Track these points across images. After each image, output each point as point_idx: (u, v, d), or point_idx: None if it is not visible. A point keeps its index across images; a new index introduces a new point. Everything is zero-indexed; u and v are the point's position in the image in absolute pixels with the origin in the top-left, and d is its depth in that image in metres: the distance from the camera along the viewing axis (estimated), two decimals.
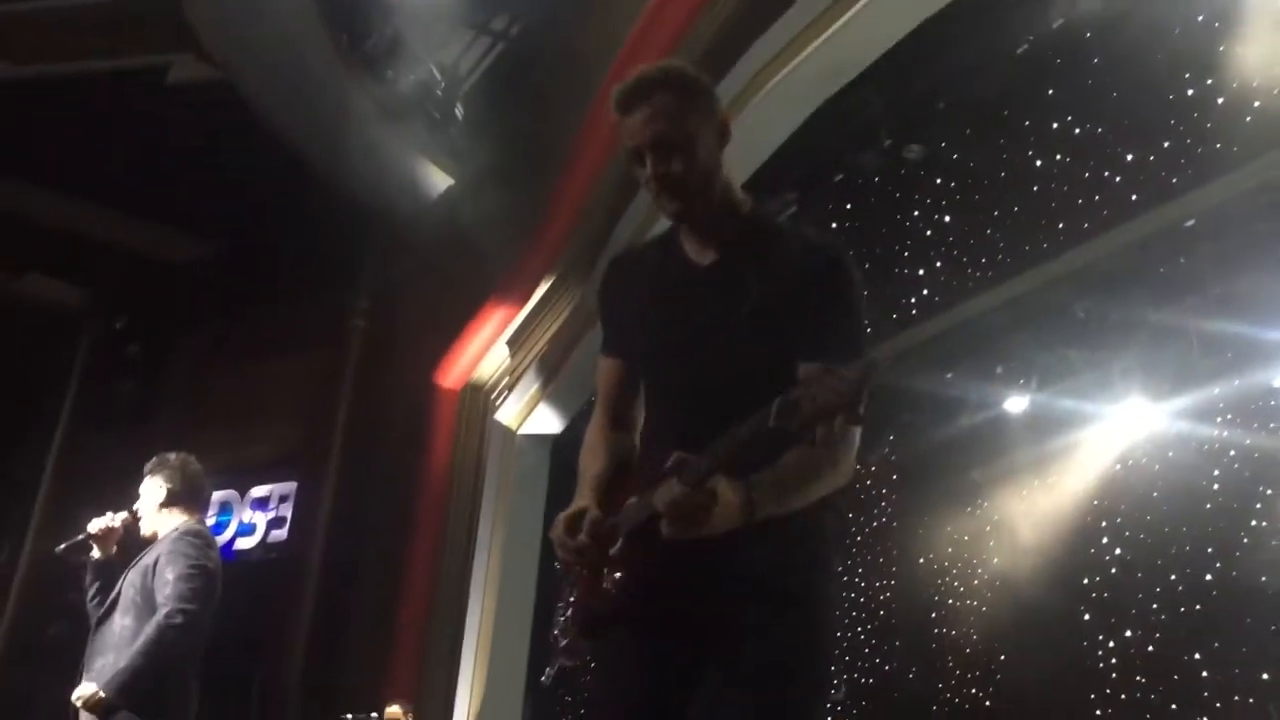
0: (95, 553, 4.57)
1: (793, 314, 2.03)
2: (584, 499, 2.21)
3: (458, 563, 8.75)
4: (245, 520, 10.48)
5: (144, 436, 11.52)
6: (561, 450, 9.30)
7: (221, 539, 10.58)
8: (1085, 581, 9.23)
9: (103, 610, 4.40)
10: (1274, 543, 8.27)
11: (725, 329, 2.02)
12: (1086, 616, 9.12)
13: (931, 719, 9.62)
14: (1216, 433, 8.71)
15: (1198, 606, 8.53)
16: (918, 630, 10.20)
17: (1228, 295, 8.03)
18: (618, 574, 2.05)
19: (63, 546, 4.60)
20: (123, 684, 4.05)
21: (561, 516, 2.18)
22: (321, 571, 9.46)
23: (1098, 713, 8.90)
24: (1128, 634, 8.91)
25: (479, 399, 9.28)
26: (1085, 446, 9.39)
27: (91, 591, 4.56)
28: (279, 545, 10.10)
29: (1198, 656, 8.36)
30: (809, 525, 2.09)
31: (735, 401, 1.87)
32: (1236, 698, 7.93)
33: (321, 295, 10.65)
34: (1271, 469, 8.16)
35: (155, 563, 4.39)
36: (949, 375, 9.61)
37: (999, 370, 9.36)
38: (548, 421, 9.06)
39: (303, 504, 10.07)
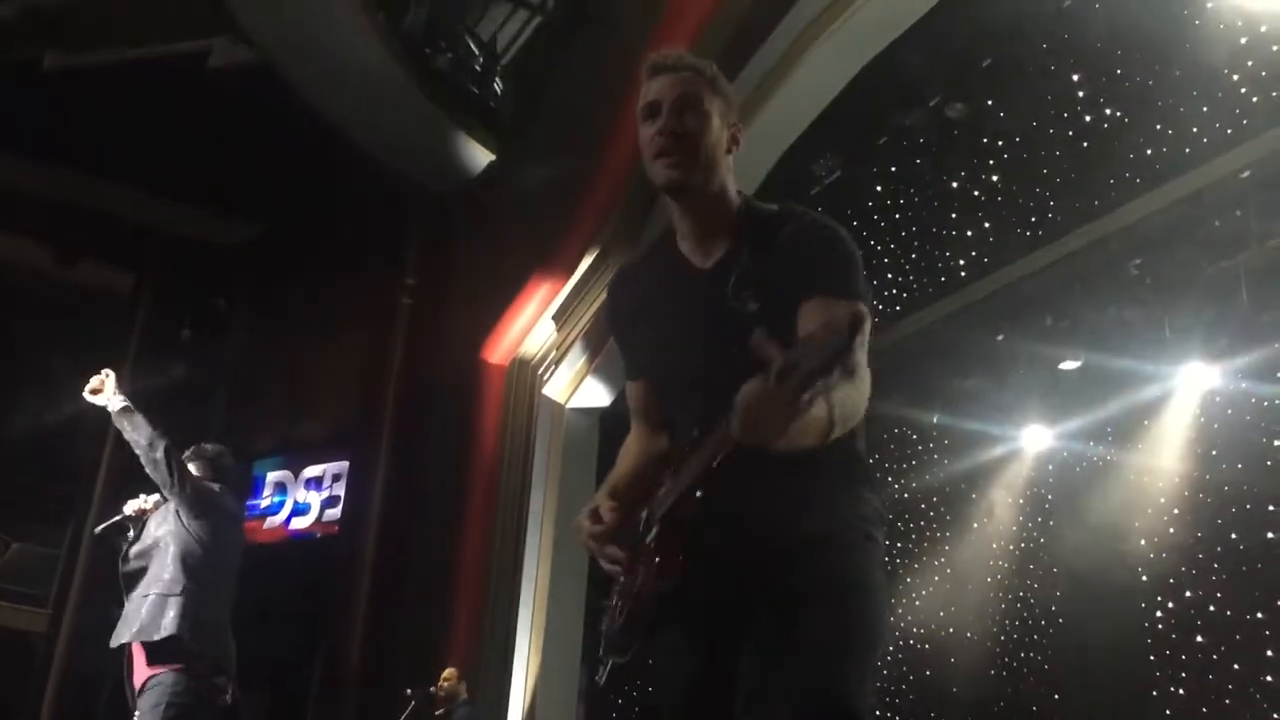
0: (132, 534, 4.71)
1: (795, 286, 2.09)
2: (597, 496, 2.27)
3: (511, 536, 8.81)
4: (300, 500, 10.60)
5: (197, 419, 11.69)
6: (609, 423, 9.31)
7: (277, 519, 10.73)
8: (1143, 543, 9.12)
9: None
10: None
11: (738, 324, 1.95)
12: (1144, 578, 9.01)
13: (992, 681, 9.57)
14: (1276, 389, 8.55)
15: (1259, 565, 8.41)
16: (974, 594, 10.14)
17: None
18: (656, 559, 2.05)
19: (101, 527, 4.77)
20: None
21: (582, 513, 2.24)
22: (377, 548, 9.56)
23: (1158, 673, 8.82)
24: (1187, 594, 8.80)
25: (526, 374, 9.30)
26: (1140, 405, 9.26)
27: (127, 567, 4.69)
28: (334, 524, 10.21)
29: (1260, 615, 8.25)
30: (838, 476, 2.18)
31: (727, 359, 1.91)
32: None
33: (368, 274, 10.71)
34: None
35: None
36: (1000, 337, 9.51)
37: (1051, 330, 9.22)
38: (596, 395, 9.06)
39: (356, 482, 10.16)
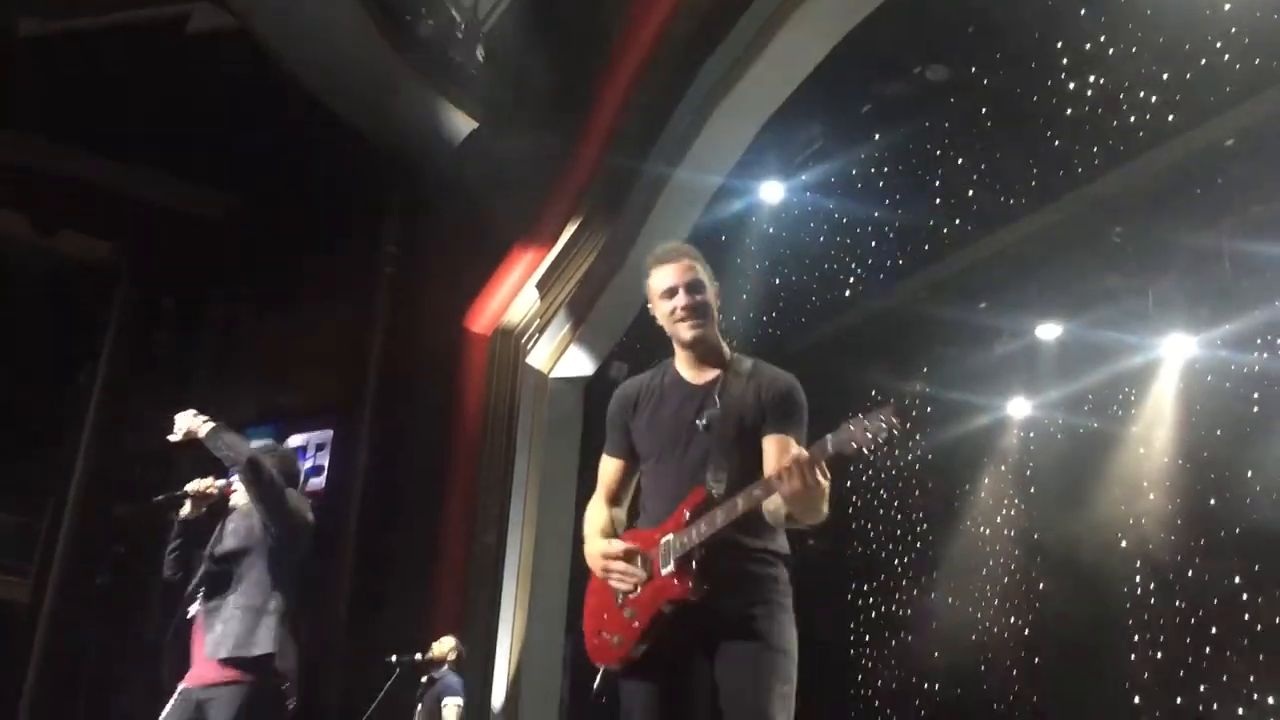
0: (186, 509, 4.71)
1: (762, 414, 2.99)
2: (601, 539, 3.06)
3: (495, 506, 8.82)
4: None
5: (181, 387, 11.65)
6: (593, 391, 9.31)
7: None
8: (1122, 509, 9.20)
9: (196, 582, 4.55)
10: None
11: (703, 425, 2.98)
12: (1124, 544, 9.10)
13: (971, 645, 9.66)
14: (1255, 356, 8.61)
15: (1238, 530, 8.50)
16: (955, 561, 10.22)
17: (1267, 215, 7.88)
18: (680, 582, 2.80)
19: (161, 498, 4.81)
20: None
21: (600, 549, 3.01)
22: (361, 518, 9.57)
23: (1135, 638, 8.92)
24: (1166, 559, 8.89)
25: (510, 343, 9.28)
26: (1122, 374, 9.32)
27: (173, 545, 4.72)
28: (317, 493, 10.21)
29: (1237, 580, 8.35)
30: (770, 576, 2.94)
31: (717, 467, 2.90)
32: (1278, 620, 7.91)
33: (350, 244, 10.65)
34: None
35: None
36: (983, 305, 9.53)
37: (1033, 299, 9.26)
38: (579, 364, 9.06)
39: (339, 452, 10.15)
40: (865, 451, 2.61)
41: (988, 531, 10.07)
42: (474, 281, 9.36)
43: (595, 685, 2.92)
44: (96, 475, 11.11)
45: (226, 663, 4.22)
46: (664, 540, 2.85)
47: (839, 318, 10.32)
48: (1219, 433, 8.65)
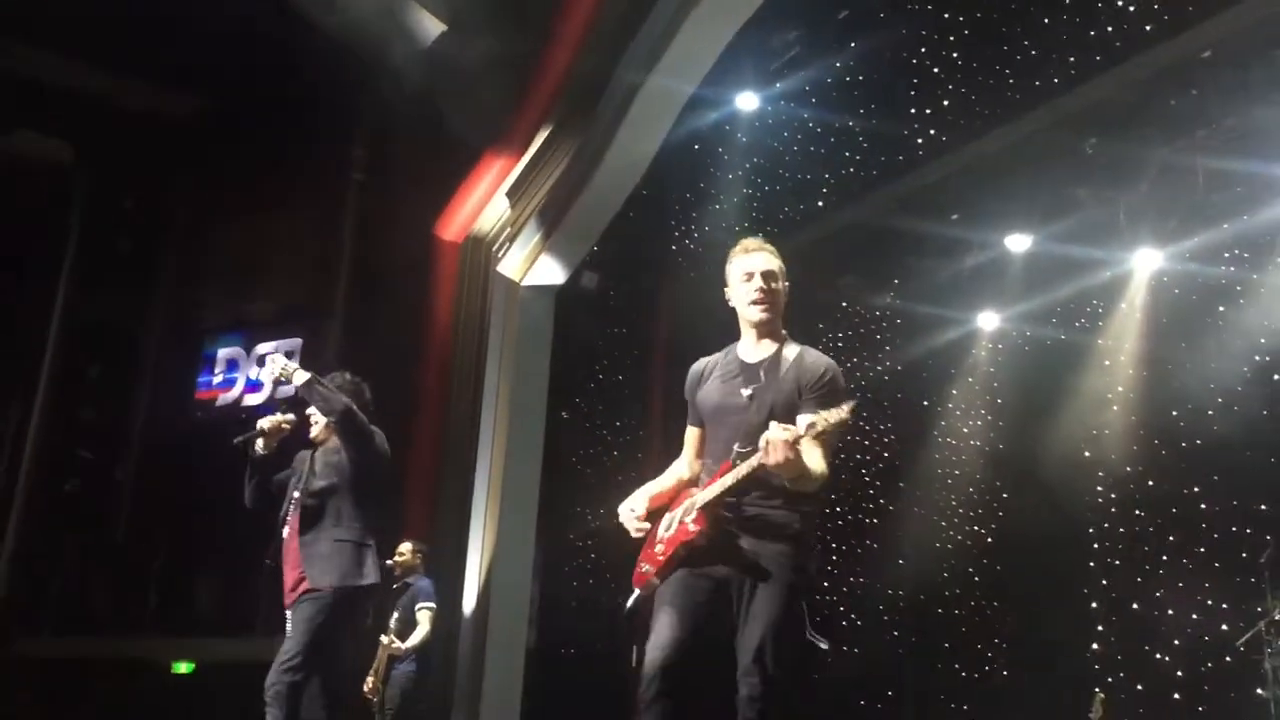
0: (260, 446, 4.97)
1: (799, 393, 3.40)
2: (638, 495, 3.60)
3: (465, 414, 8.83)
4: (252, 377, 10.55)
5: (146, 292, 11.54)
6: (564, 300, 9.29)
7: (229, 396, 10.69)
8: (1086, 420, 9.33)
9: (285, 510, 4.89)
10: (1275, 377, 8.33)
11: (746, 395, 3.44)
12: (1087, 454, 9.24)
13: (935, 553, 9.84)
14: (1222, 270, 8.67)
15: (1198, 441, 8.63)
16: (922, 472, 10.35)
17: (1241, 128, 7.87)
18: (694, 528, 3.35)
19: (239, 439, 5.03)
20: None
21: (632, 501, 3.58)
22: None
23: (1095, 545, 9.11)
24: (1128, 470, 9.04)
25: (481, 251, 9.21)
26: (1090, 287, 9.37)
27: (253, 480, 5.01)
28: (287, 401, 10.18)
29: (1196, 490, 8.51)
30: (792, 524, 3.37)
31: (748, 436, 3.28)
32: (1234, 528, 8.09)
33: (317, 148, 10.48)
34: (1277, 303, 8.15)
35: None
36: (955, 217, 9.52)
37: (1005, 210, 9.25)
38: (551, 272, 9.01)
39: (309, 359, 10.09)
40: (826, 431, 3.16)
41: (955, 443, 10.18)
42: (444, 189, 9.25)
43: (629, 603, 3.56)
44: (61, 381, 11.03)
45: (315, 580, 4.59)
46: (689, 500, 3.44)
47: (811, 229, 10.28)
48: (1183, 345, 8.74)
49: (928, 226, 9.58)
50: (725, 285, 3.61)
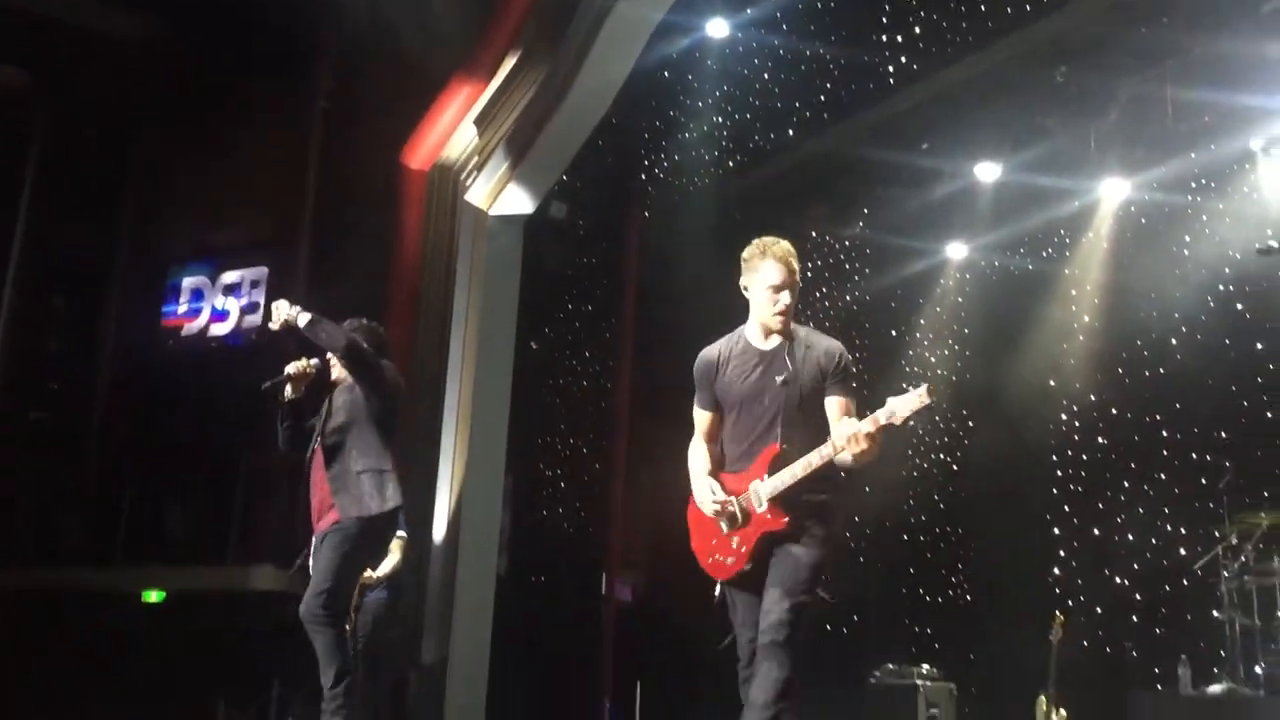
0: (289, 391, 5.09)
1: (823, 377, 3.73)
2: (708, 480, 3.77)
3: (434, 344, 8.78)
4: (218, 306, 10.46)
5: (110, 221, 11.37)
6: (533, 230, 9.23)
7: (195, 325, 10.61)
8: (1051, 349, 9.42)
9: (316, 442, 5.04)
10: (1239, 306, 8.42)
11: (779, 382, 3.67)
12: (1052, 383, 9.34)
13: (902, 480, 9.95)
14: (1188, 199, 8.71)
15: (1161, 369, 8.75)
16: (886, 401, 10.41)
17: (1208, 57, 7.87)
18: (775, 518, 3.62)
19: (267, 384, 5.15)
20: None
21: (710, 486, 3.74)
22: (299, 356, 9.47)
23: (1059, 473, 9.25)
24: (1092, 398, 9.16)
25: (448, 180, 9.10)
26: (1057, 215, 9.41)
27: (284, 424, 5.15)
28: (254, 330, 10.12)
29: (1158, 417, 8.64)
30: (823, 503, 3.72)
31: (788, 420, 3.66)
32: (1194, 455, 8.22)
33: (283, 76, 10.30)
34: (1241, 232, 8.21)
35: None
36: (925, 146, 9.49)
37: (975, 139, 9.23)
38: (519, 201, 8.94)
39: (276, 289, 10.03)
40: (909, 422, 3.51)
41: (922, 372, 10.25)
42: (410, 116, 9.12)
43: (716, 594, 3.76)
44: (25, 311, 10.91)
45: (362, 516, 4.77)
46: (752, 486, 3.66)
47: (781, 158, 10.24)
48: (1148, 275, 8.81)
49: (898, 155, 9.55)
50: (743, 278, 3.79)
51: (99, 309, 11.25)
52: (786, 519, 3.60)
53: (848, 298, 10.65)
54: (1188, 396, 8.50)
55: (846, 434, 3.49)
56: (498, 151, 8.67)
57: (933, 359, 10.30)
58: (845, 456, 3.56)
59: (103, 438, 10.80)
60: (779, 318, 3.73)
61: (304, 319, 4.86)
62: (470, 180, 8.90)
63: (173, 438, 10.00)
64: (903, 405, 3.49)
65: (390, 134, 9.28)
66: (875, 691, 8.02)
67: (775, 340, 3.77)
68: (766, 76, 9.41)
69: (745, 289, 3.81)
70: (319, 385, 5.21)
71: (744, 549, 3.68)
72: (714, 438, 3.87)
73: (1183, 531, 8.26)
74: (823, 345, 3.78)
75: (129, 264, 11.31)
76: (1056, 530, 8.98)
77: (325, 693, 4.60)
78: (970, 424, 9.93)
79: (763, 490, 3.64)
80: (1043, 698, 7.73)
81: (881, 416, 3.49)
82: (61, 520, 10.58)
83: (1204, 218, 8.59)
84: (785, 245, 3.80)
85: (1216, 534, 7.21)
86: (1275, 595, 6.84)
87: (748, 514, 3.67)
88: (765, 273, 3.74)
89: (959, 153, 9.36)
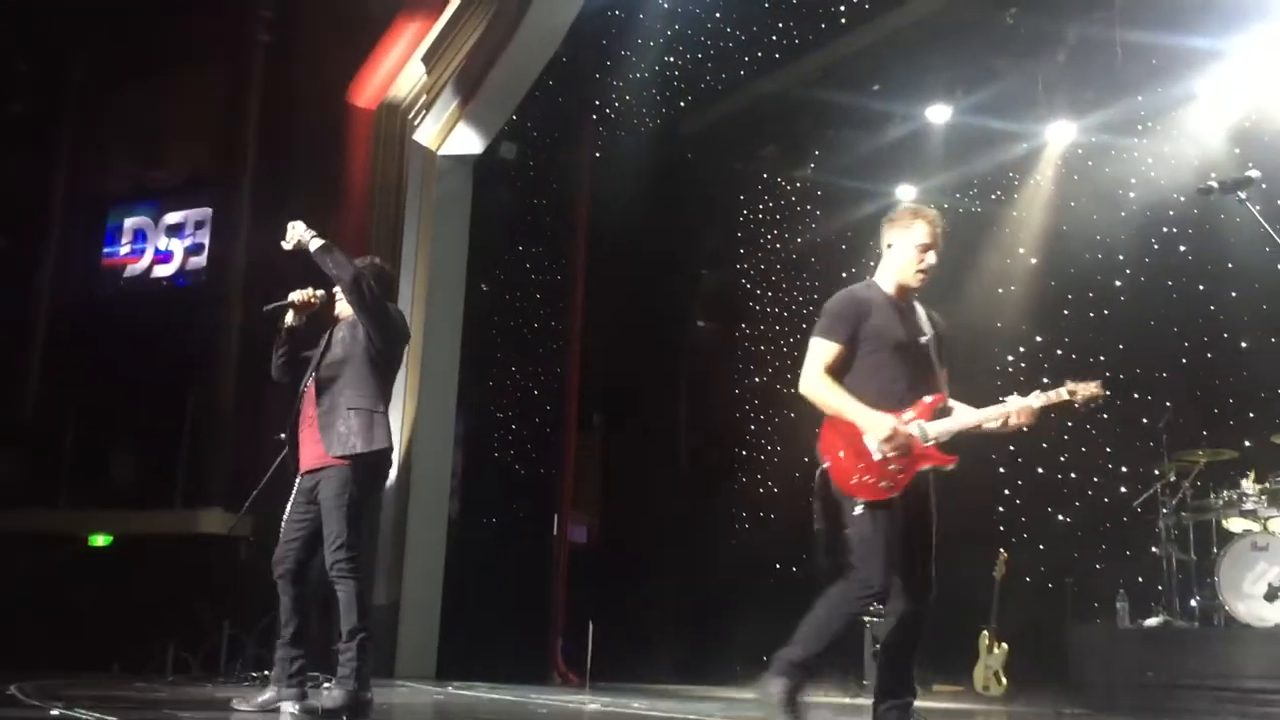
0: (290, 318, 4.98)
1: (944, 343, 4.07)
2: (884, 416, 3.83)
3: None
4: (161, 247, 10.27)
5: (47, 159, 11.09)
6: (482, 171, 9.13)
7: (138, 266, 10.41)
8: (1000, 290, 9.51)
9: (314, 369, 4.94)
10: (1182, 248, 8.55)
11: (923, 340, 3.97)
12: (999, 325, 9.44)
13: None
14: (1135, 141, 8.80)
15: (1106, 312, 8.88)
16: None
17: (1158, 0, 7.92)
18: (946, 456, 3.91)
19: (268, 307, 5.03)
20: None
21: (893, 423, 3.80)
22: (245, 297, 9.37)
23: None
24: (1038, 339, 9.28)
25: (396, 119, 8.97)
26: (1006, 157, 9.46)
27: (280, 351, 5.02)
28: (199, 272, 9.96)
29: (1102, 358, 8.77)
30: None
31: (926, 361, 3.95)
32: (1135, 395, 8.37)
33: (221, 6, 10.04)
34: (1185, 175, 8.31)
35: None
36: (876, 87, 9.48)
37: (925, 81, 9.23)
38: (468, 141, 8.84)
39: (220, 230, 9.86)
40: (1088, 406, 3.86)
41: None
42: (356, 53, 8.96)
43: (858, 510, 3.85)
44: None
45: (346, 455, 4.67)
46: (915, 422, 3.87)
47: (732, 99, 10.18)
48: (1094, 217, 8.91)
49: (849, 97, 9.54)
50: (886, 236, 4.10)
51: (37, 249, 11.01)
52: (952, 459, 3.88)
53: (799, 240, 10.66)
54: (1130, 337, 8.65)
55: (1035, 406, 3.86)
56: (446, 90, 8.56)
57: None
58: (994, 423, 3.90)
59: (44, 380, 10.63)
60: (921, 275, 4.01)
61: (316, 244, 4.78)
62: (419, 119, 8.78)
63: (115, 380, 9.84)
64: (1083, 390, 3.83)
65: (335, 71, 9.11)
66: None
67: (907, 299, 4.04)
68: (718, 16, 9.33)
69: (888, 246, 4.08)
70: (321, 318, 5.08)
71: (901, 476, 3.87)
72: (835, 371, 3.96)
73: (1124, 470, 8.43)
74: (934, 315, 4.10)
75: (67, 203, 11.05)
76: (1002, 470, 9.12)
77: (340, 645, 4.50)
78: None
79: (929, 430, 3.87)
80: (985, 633, 7.93)
81: (1064, 391, 3.82)
82: (3, 464, 10.42)
83: (1150, 160, 8.69)
84: (936, 212, 4.09)
85: (1156, 472, 7.36)
86: (1211, 531, 7.03)
87: (909, 445, 3.83)
88: (916, 232, 4.03)
89: (910, 94, 9.36)
